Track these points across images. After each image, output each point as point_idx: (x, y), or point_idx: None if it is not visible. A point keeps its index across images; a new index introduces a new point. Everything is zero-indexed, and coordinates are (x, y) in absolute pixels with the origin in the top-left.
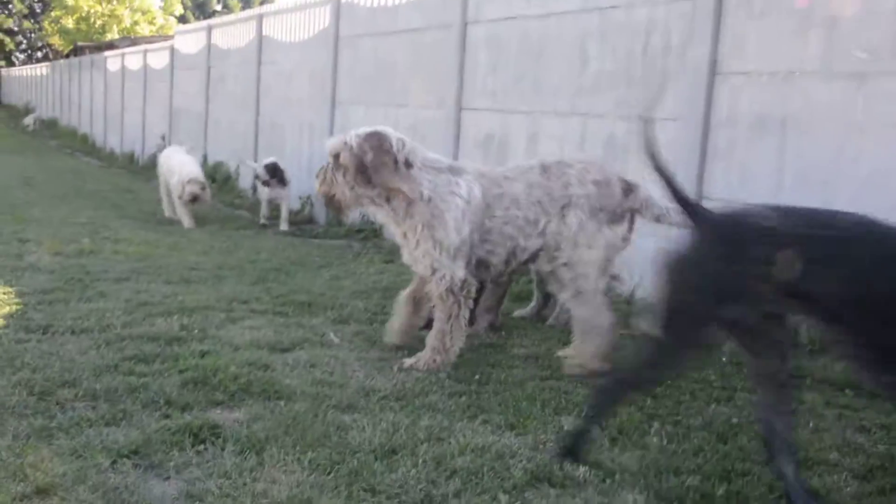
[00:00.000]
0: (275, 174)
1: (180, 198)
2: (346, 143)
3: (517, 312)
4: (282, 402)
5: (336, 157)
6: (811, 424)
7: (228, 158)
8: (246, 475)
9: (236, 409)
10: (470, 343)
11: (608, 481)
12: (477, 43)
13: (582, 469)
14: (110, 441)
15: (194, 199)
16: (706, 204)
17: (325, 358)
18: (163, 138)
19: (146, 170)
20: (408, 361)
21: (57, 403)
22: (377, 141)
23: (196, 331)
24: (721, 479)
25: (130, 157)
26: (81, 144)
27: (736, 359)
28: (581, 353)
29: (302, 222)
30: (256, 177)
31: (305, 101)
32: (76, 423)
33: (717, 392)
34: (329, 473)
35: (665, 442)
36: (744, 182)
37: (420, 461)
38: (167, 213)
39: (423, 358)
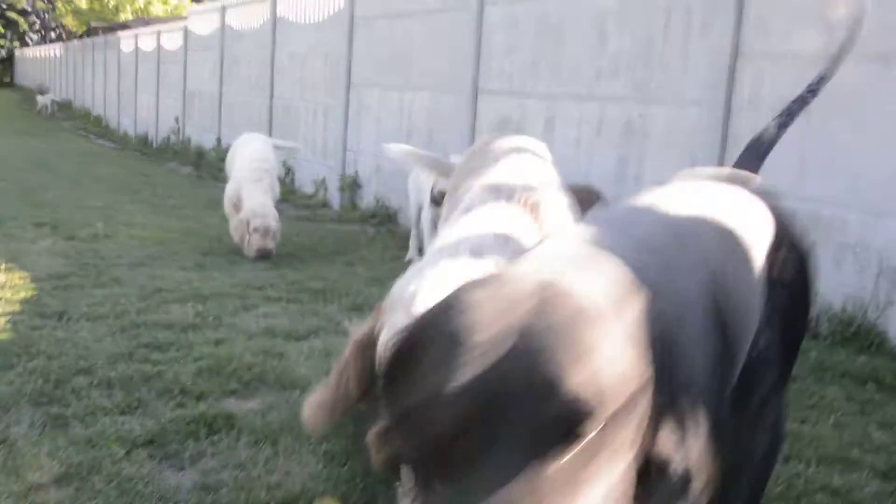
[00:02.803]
0: None
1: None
2: None
3: None
4: (297, 392)
5: None
6: (831, 420)
7: None
8: (261, 466)
9: (251, 399)
10: None
11: None
12: (494, 24)
13: None
14: (125, 430)
15: (263, 253)
16: None
17: (339, 346)
18: (176, 120)
19: (160, 152)
20: None
21: (72, 391)
22: None
23: (211, 318)
24: None
25: (144, 140)
26: (95, 126)
27: None
28: None
29: (316, 206)
30: None
31: (320, 84)
32: (91, 412)
33: None
34: (344, 465)
35: None
36: (766, 168)
37: None
38: (236, 238)
39: None
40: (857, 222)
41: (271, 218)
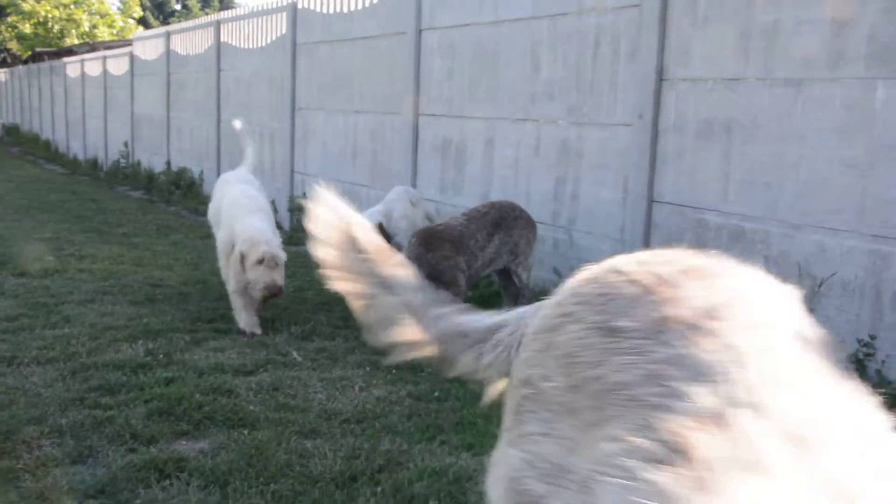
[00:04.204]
0: None
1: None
2: None
3: None
4: (245, 431)
5: None
6: None
7: (191, 164)
8: None
9: (201, 439)
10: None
11: None
12: (432, 49)
13: None
14: (77, 481)
15: (273, 290)
16: (657, 207)
17: (287, 380)
18: (125, 145)
19: (110, 176)
20: None
21: (23, 442)
22: None
23: (161, 356)
24: None
25: (94, 164)
26: (44, 151)
27: None
28: None
29: None
30: None
31: (266, 108)
32: (43, 464)
33: None
34: None
35: None
36: (693, 186)
37: (379, 490)
38: (236, 305)
39: None
40: (777, 235)
41: (276, 246)
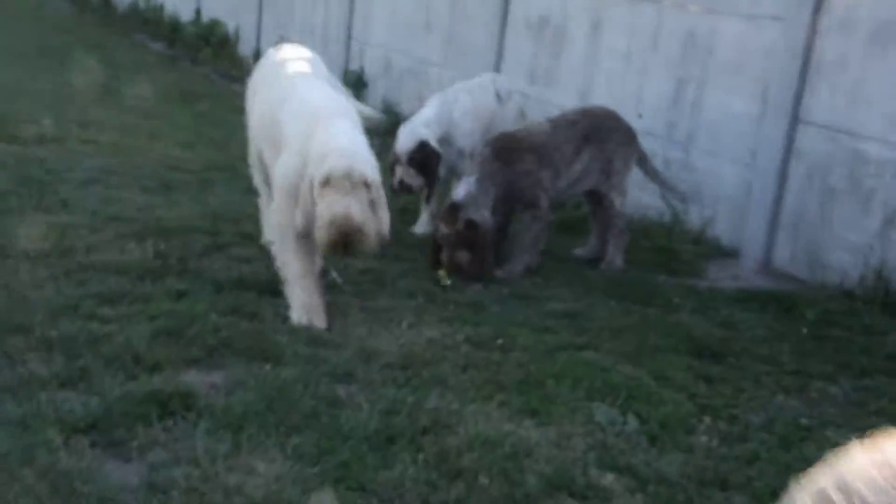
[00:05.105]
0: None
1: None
2: None
3: (577, 251)
4: (268, 366)
5: None
6: None
7: (226, 16)
8: (219, 462)
9: (214, 371)
10: (499, 292)
11: (639, 494)
12: None
13: (609, 476)
14: (65, 410)
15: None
16: (803, 129)
17: (328, 307)
18: None
19: (126, 20)
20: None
21: (5, 354)
22: None
23: (174, 261)
24: (773, 499)
25: (106, 3)
26: None
27: (819, 332)
28: None
29: None
30: None
31: None
32: (26, 383)
33: (788, 379)
34: (315, 465)
35: (715, 443)
36: (855, 106)
37: (421, 457)
38: (266, 233)
39: None
40: None
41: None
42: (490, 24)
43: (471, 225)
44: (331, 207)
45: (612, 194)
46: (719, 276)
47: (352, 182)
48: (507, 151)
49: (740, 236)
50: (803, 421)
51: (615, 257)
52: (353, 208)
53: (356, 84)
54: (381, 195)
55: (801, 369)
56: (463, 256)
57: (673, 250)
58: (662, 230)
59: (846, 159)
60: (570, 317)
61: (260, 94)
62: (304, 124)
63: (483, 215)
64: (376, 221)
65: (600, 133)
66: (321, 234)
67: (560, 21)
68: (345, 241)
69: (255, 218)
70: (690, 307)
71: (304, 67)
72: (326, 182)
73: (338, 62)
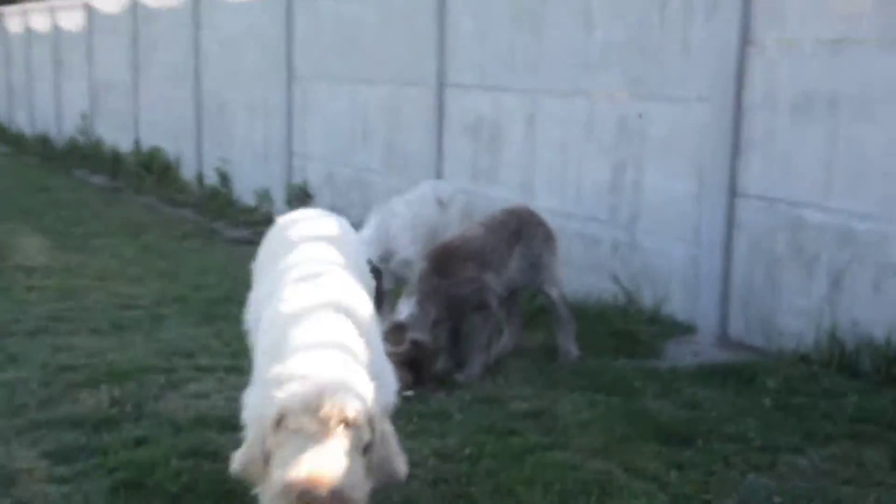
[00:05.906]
0: None
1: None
2: None
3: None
4: None
5: None
6: (872, 498)
7: (165, 143)
8: None
9: None
10: (462, 397)
11: None
12: (459, 6)
13: None
14: None
15: None
16: (742, 202)
17: None
18: (83, 117)
19: (65, 157)
20: None
21: None
22: None
23: (129, 406)
24: None
25: (44, 142)
26: None
27: (781, 401)
28: None
29: (259, 223)
30: None
31: (256, 76)
32: None
33: (756, 456)
34: None
35: None
36: (787, 176)
37: None
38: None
39: None
40: None
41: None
42: (427, 129)
43: (416, 344)
44: (284, 467)
45: (547, 287)
46: (678, 354)
47: (320, 421)
48: (446, 264)
49: (694, 311)
50: (776, 500)
51: (569, 347)
52: (324, 467)
53: (301, 196)
54: (382, 434)
55: (769, 444)
56: (409, 376)
57: (629, 332)
58: (617, 312)
59: (786, 227)
60: (534, 416)
61: (262, 275)
62: (275, 334)
63: (426, 335)
64: (374, 477)
65: (529, 230)
66: None
67: (495, 119)
68: None
69: (211, 349)
70: (653, 391)
71: (309, 246)
72: (280, 421)
73: (281, 177)
